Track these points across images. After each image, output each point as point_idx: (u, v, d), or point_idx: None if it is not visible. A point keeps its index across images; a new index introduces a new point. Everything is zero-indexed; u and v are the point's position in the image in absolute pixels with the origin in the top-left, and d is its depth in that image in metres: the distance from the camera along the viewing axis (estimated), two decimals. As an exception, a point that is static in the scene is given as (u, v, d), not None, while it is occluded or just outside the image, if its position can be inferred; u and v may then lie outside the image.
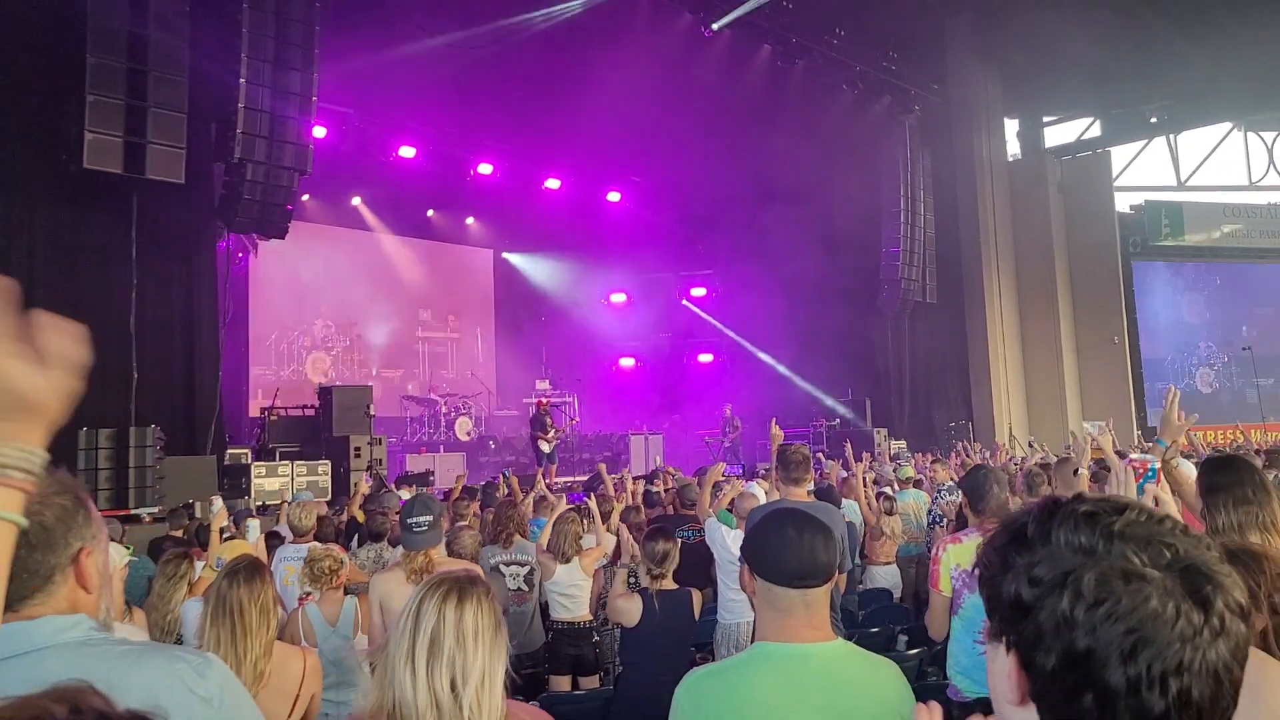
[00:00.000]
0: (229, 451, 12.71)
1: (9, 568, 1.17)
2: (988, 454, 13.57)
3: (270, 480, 12.20)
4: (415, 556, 4.34)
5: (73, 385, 1.17)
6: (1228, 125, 26.69)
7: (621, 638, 5.02)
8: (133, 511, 10.38)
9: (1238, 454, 4.03)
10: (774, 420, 6.42)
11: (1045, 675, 0.98)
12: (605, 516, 7.13)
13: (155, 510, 10.41)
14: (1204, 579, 0.95)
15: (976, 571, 1.10)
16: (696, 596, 5.07)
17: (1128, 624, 0.93)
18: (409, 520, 4.40)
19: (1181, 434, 4.12)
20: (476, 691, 1.90)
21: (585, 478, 13.32)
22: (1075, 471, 5.01)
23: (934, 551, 4.24)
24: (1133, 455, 3.38)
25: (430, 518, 4.39)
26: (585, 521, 6.82)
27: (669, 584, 4.95)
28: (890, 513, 8.79)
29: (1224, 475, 3.06)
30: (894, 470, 12.19)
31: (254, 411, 18.08)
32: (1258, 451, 8.98)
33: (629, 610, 4.83)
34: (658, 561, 4.92)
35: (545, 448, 16.51)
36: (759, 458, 18.01)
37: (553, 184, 23.05)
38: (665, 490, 10.07)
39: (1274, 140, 27.42)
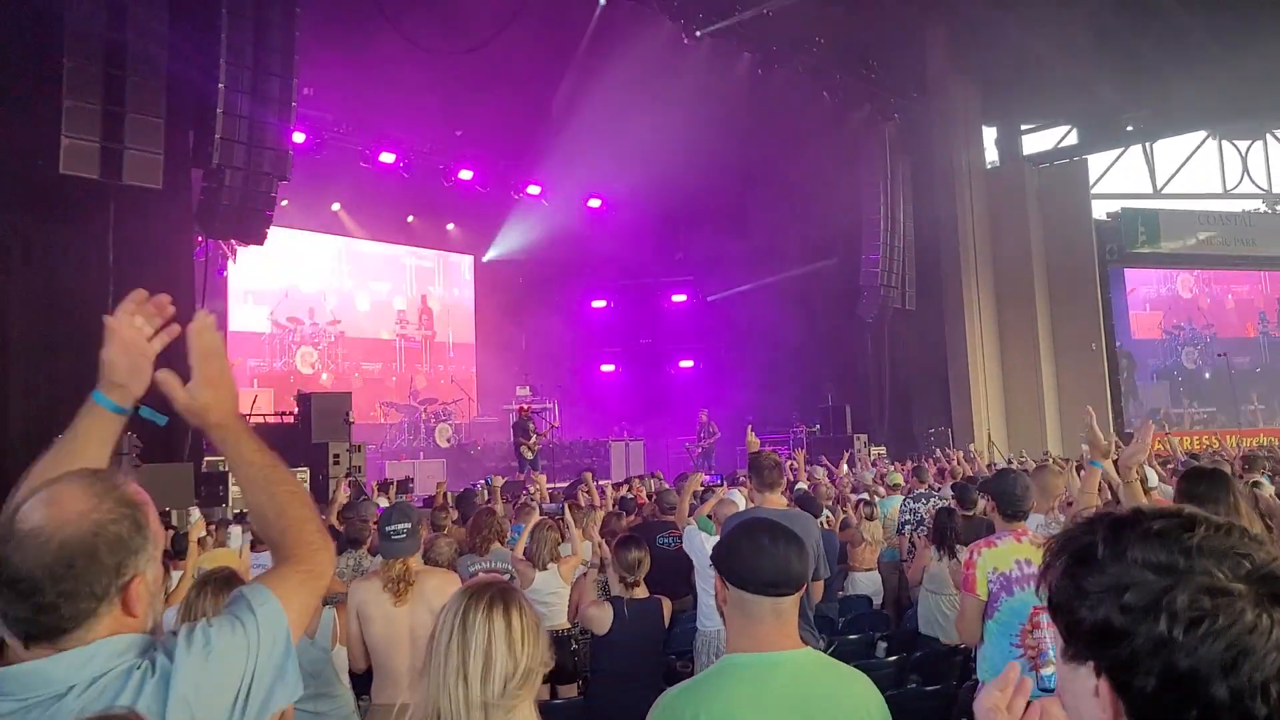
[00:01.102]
0: (206, 459, 12.63)
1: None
2: (967, 461, 13.61)
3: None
4: (393, 564, 4.35)
5: None
6: (1202, 134, 26.95)
7: (592, 646, 5.02)
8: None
9: (1217, 467, 4.19)
10: (749, 427, 6.45)
11: (1144, 696, 0.99)
12: (580, 523, 7.12)
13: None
14: None
15: (1047, 595, 1.11)
16: (666, 605, 5.09)
17: (1227, 639, 0.95)
18: (387, 528, 4.40)
19: (1110, 453, 4.26)
20: (522, 691, 1.96)
21: (566, 484, 13.29)
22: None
23: (967, 555, 4.27)
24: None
25: (408, 525, 4.39)
26: (562, 529, 6.82)
27: (641, 592, 4.97)
28: (870, 518, 8.83)
29: (1203, 486, 3.27)
30: (875, 478, 12.24)
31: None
32: (1234, 460, 9.06)
33: (600, 618, 4.84)
34: (630, 569, 4.93)
35: (528, 454, 16.51)
36: (739, 463, 18.06)
37: (533, 190, 23.05)
38: (643, 496, 10.09)
39: (1247, 149, 27.71)
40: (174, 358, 1.84)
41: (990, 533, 4.39)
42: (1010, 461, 14.01)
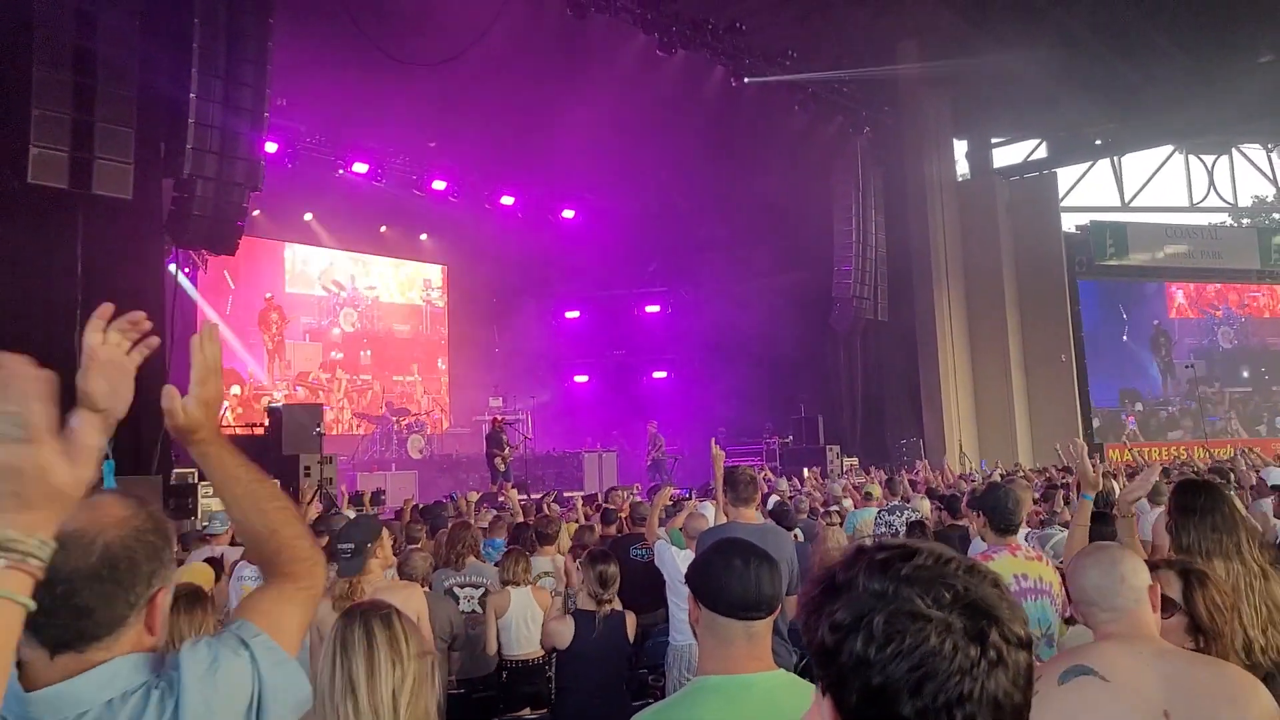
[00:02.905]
0: (175, 471, 12.51)
1: (15, 650, 1.22)
2: (936, 472, 13.70)
3: (217, 501, 11.99)
4: (337, 583, 4.30)
5: (91, 477, 1.29)
6: (1169, 148, 27.32)
7: (556, 662, 5.01)
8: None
9: (1213, 481, 4.27)
10: (714, 440, 6.45)
11: (850, 711, 1.06)
12: (552, 538, 7.10)
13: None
14: (983, 615, 1.04)
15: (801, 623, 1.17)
16: (630, 619, 5.09)
17: (911, 661, 1.01)
18: (337, 546, 4.39)
19: (1098, 485, 4.30)
20: (411, 701, 2.14)
21: (539, 496, 13.26)
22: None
23: None
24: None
25: (352, 545, 4.35)
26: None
27: (611, 607, 4.98)
28: (831, 524, 8.86)
29: (1199, 499, 3.34)
30: (845, 488, 12.28)
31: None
32: (1203, 474, 9.20)
33: (560, 632, 4.85)
34: (603, 584, 4.93)
35: (500, 466, 16.47)
36: (708, 475, 18.08)
37: (507, 200, 23.04)
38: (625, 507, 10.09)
39: (1214, 163, 28.12)
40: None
41: (961, 547, 4.41)
42: (988, 474, 14.08)
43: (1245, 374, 26.51)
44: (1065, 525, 5.99)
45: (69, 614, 1.49)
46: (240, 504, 1.79)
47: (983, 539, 4.55)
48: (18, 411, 1.20)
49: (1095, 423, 24.21)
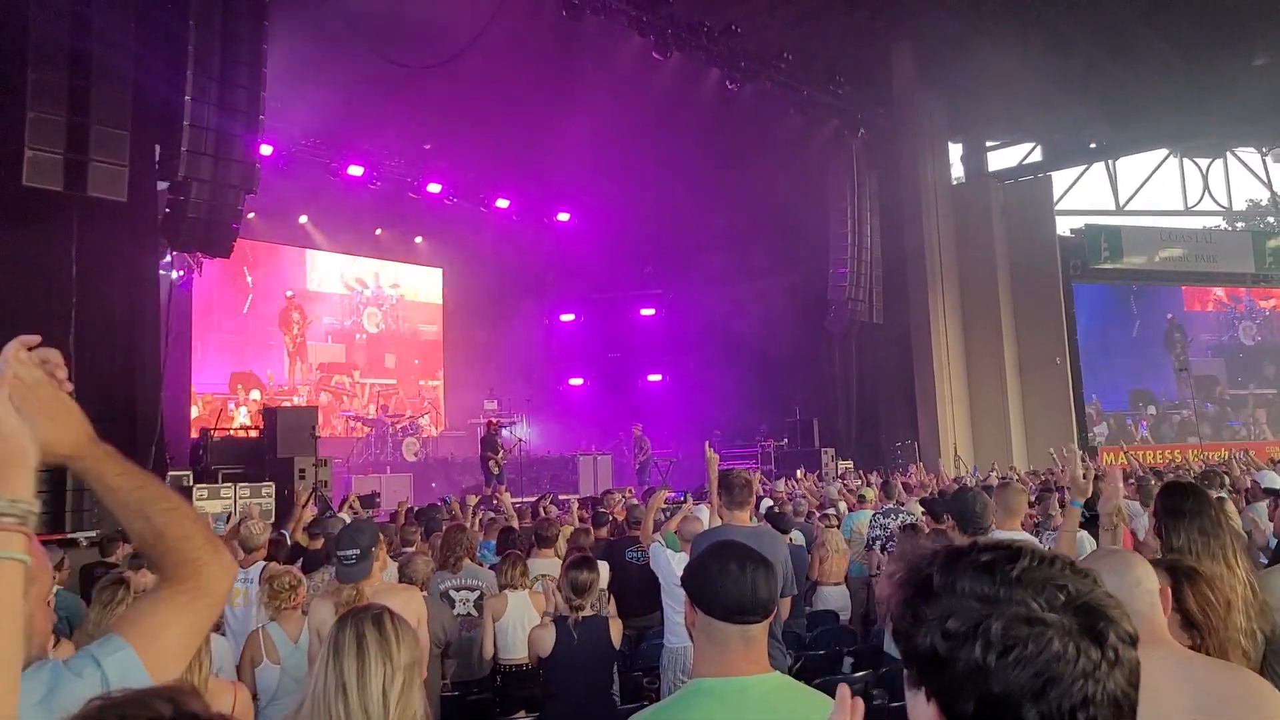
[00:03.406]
0: (170, 474, 12.48)
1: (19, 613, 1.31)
2: (931, 475, 13.72)
3: (213, 503, 12.01)
4: (344, 589, 4.30)
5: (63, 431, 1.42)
6: (1164, 152, 27.36)
7: (541, 669, 5.02)
8: (70, 535, 10.14)
9: (1199, 485, 4.28)
10: (708, 443, 6.45)
11: (965, 718, 1.04)
12: (551, 541, 7.11)
13: (93, 534, 10.18)
14: (1097, 615, 1.04)
15: (891, 625, 1.16)
16: (615, 625, 5.11)
17: (1035, 667, 1.00)
18: (339, 553, 4.39)
19: (1088, 492, 4.30)
20: (401, 699, 2.25)
21: (533, 499, 13.25)
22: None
23: None
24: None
25: (358, 551, 4.34)
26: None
27: (587, 612, 4.98)
28: (834, 525, 8.88)
29: (1187, 502, 3.35)
30: (840, 490, 12.30)
31: (196, 433, 17.89)
32: (1195, 477, 9.21)
33: (542, 640, 4.86)
34: (578, 591, 4.94)
35: (494, 469, 16.47)
36: (703, 478, 18.09)
37: (502, 203, 23.04)
38: (620, 511, 10.10)
39: (1208, 166, 28.14)
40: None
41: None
42: (977, 475, 14.10)
43: (1271, 372, 25.56)
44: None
45: None
46: (125, 510, 1.69)
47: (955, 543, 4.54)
48: None
49: (1104, 429, 24.01)
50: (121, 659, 1.58)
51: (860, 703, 1.46)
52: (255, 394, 19.95)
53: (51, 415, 1.60)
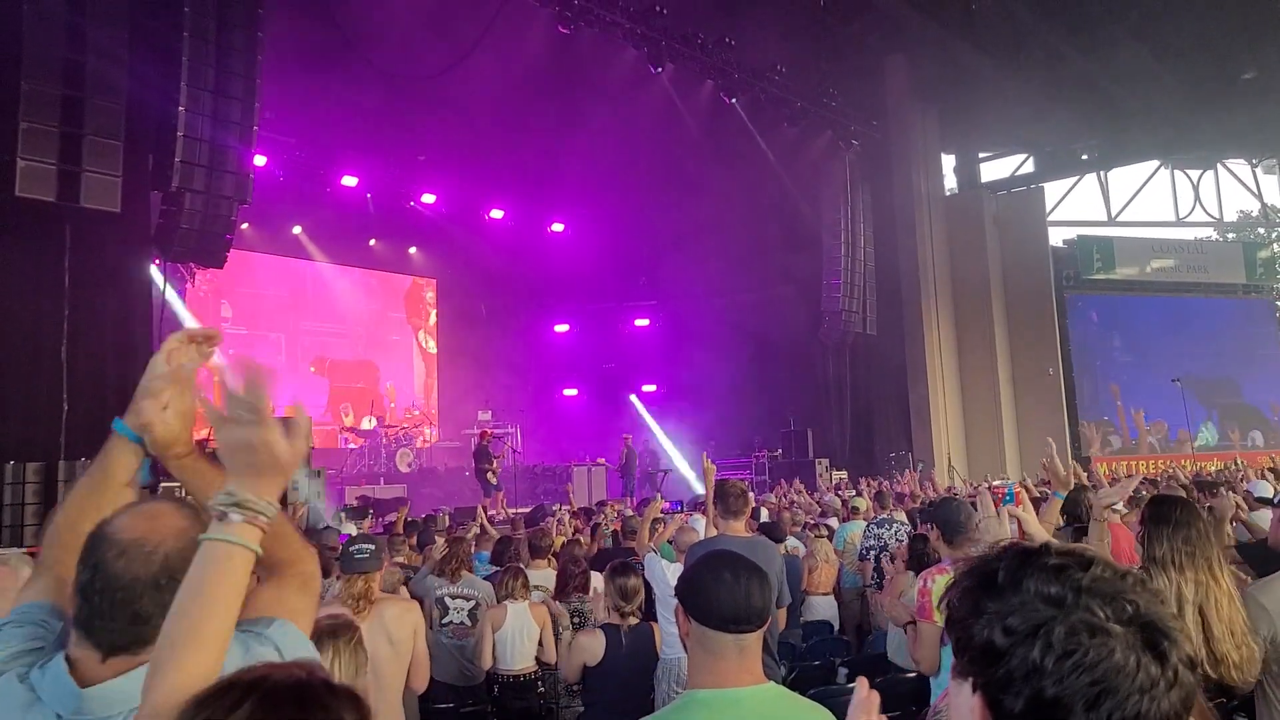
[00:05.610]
0: (162, 486, 12.44)
1: (245, 590, 1.47)
2: (926, 484, 13.72)
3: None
4: (355, 581, 4.41)
5: (303, 453, 1.57)
6: (1155, 163, 27.50)
7: (584, 676, 4.98)
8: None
9: (1188, 498, 4.32)
10: (705, 454, 6.46)
11: (1012, 717, 1.05)
12: (545, 551, 7.10)
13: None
14: (1161, 634, 1.03)
15: (947, 612, 1.17)
16: (656, 631, 5.08)
17: (1093, 675, 1.01)
18: (351, 548, 4.51)
19: (1069, 484, 4.32)
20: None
21: (528, 510, 13.22)
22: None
23: (920, 583, 4.27)
24: (994, 481, 3.68)
25: (372, 546, 4.54)
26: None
27: (634, 620, 4.97)
28: (820, 535, 8.86)
29: (1174, 512, 3.40)
30: (834, 500, 12.30)
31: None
32: (1189, 484, 9.21)
33: (591, 647, 4.81)
34: (626, 597, 4.92)
35: (492, 479, 16.44)
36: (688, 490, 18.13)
37: (496, 214, 23.05)
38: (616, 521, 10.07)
39: (1199, 178, 28.30)
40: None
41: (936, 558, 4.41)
42: (975, 487, 14.09)
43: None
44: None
45: (127, 620, 1.55)
46: None
47: (938, 552, 4.55)
48: (250, 400, 1.50)
49: (1116, 439, 23.92)
50: (279, 626, 1.75)
51: (877, 695, 1.47)
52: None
53: (187, 416, 1.86)
